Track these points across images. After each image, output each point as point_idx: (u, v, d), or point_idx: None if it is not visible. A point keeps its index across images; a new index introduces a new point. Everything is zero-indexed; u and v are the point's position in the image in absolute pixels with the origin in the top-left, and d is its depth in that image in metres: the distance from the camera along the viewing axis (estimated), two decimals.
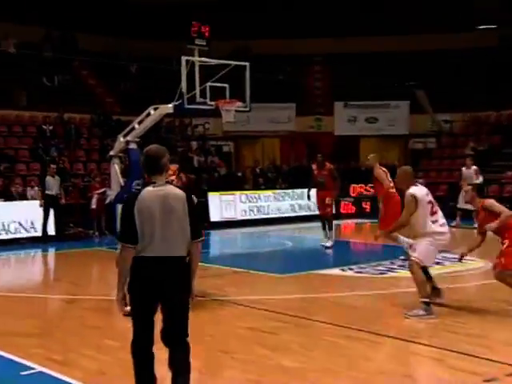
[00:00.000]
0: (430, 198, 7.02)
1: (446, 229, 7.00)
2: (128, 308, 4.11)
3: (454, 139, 22.10)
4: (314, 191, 12.52)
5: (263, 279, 9.31)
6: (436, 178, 19.93)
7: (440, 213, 7.03)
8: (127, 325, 4.56)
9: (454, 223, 15.55)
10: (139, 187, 4.78)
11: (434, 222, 6.88)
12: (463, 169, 15.94)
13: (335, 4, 23.69)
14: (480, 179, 15.48)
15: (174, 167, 7.94)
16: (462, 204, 15.61)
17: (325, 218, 12.37)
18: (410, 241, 7.53)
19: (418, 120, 22.72)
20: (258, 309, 7.27)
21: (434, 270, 9.33)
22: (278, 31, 23.31)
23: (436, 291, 7.23)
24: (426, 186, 7.83)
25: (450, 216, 15.62)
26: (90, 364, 5.38)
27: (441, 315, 6.76)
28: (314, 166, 12.61)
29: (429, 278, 7.18)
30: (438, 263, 9.99)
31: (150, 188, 4.02)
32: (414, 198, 6.81)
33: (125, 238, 4.01)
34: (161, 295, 4.02)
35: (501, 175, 18.61)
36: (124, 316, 4.27)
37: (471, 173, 15.50)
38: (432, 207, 6.94)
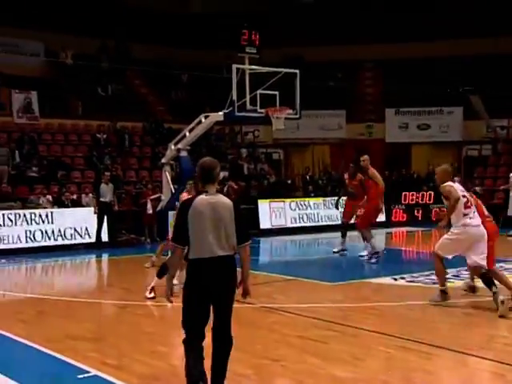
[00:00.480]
0: (465, 193, 7.68)
1: (476, 222, 7.53)
2: (172, 299, 4.56)
3: (511, 146, 21.46)
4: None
5: (313, 287, 9.24)
6: (492, 185, 19.40)
7: (474, 208, 7.61)
8: (179, 331, 4.62)
9: (510, 232, 15.10)
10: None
11: (465, 215, 7.51)
12: (511, 175, 15.58)
13: (386, 9, 23.48)
14: None
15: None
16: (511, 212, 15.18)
17: (349, 227, 12.52)
18: None
19: (472, 126, 22.17)
20: (307, 317, 7.22)
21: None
22: (328, 38, 23.26)
23: (471, 287, 8.24)
24: (482, 193, 8.17)
25: (507, 225, 15.30)
26: (144, 369, 5.46)
27: (498, 327, 6.56)
28: (345, 176, 12.81)
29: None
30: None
31: (203, 196, 4.48)
32: (452, 187, 7.55)
33: (177, 239, 4.52)
34: (211, 291, 4.41)
35: None
36: (170, 303, 4.63)
37: None
38: (466, 201, 7.56)
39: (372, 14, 23.47)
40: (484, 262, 7.49)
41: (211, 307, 4.48)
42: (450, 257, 7.70)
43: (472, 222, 7.51)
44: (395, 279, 9.45)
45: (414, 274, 9.69)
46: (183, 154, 12.63)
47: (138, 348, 6.11)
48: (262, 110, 12.36)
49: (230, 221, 4.43)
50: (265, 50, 12.56)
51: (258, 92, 12.13)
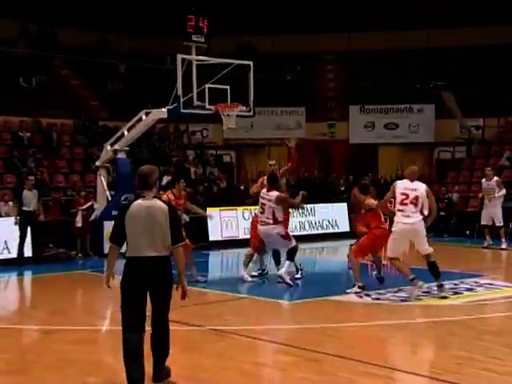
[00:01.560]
0: (409, 192, 9.17)
1: (406, 220, 9.16)
2: (110, 284, 5.66)
3: (487, 148, 22.09)
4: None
5: (270, 307, 9.31)
6: (466, 191, 19.91)
7: (411, 207, 9.12)
8: (112, 359, 4.58)
9: (485, 243, 15.55)
10: (126, 202, 6.26)
11: (399, 210, 9.22)
12: (483, 181, 15.97)
13: None
14: (503, 191, 15.52)
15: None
16: (486, 220, 15.59)
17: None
18: None
19: (444, 126, 22.73)
20: (263, 340, 7.27)
21: (464, 298, 9.37)
22: (285, 26, 23.42)
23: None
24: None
25: (482, 235, 15.75)
26: None
27: (472, 350, 6.75)
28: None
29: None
30: (469, 289, 10.01)
31: (139, 201, 5.53)
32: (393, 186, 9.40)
33: (113, 239, 5.62)
34: (147, 288, 5.45)
35: None
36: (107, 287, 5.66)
37: (492, 185, 15.51)
38: (404, 198, 9.15)
39: (334, 0, 23.82)
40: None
41: (150, 304, 5.52)
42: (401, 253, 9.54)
43: (403, 219, 9.21)
44: (360, 296, 9.60)
45: (381, 291, 9.87)
46: (121, 155, 12.56)
47: (67, 380, 6.03)
48: (212, 107, 12.40)
49: (165, 224, 5.45)
50: (214, 38, 12.62)
51: (207, 86, 12.17)
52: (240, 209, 17.67)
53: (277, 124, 23.13)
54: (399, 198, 9.26)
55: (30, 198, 14.12)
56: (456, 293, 9.78)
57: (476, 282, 10.59)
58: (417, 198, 9.20)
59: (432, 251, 9.39)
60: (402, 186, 9.36)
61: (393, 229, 9.45)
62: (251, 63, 12.42)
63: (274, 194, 10.57)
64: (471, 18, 23.01)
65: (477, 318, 8.33)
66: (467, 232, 17.56)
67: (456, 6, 23.38)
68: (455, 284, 10.42)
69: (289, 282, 10.42)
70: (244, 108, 12.57)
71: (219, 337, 7.48)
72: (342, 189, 20.03)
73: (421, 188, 9.30)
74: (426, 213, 9.24)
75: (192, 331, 7.72)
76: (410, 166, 9.89)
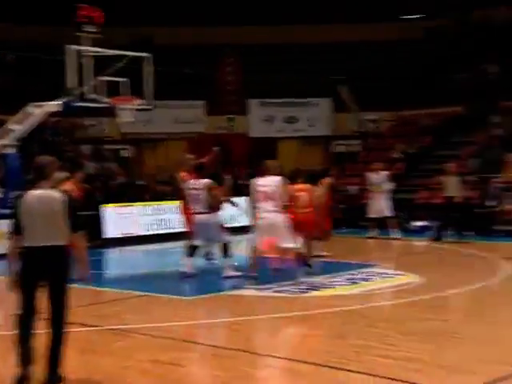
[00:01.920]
0: (266, 189, 9.74)
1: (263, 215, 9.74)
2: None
3: (382, 141, 22.90)
4: None
5: (168, 303, 9.25)
6: (361, 183, 20.51)
7: (270, 203, 9.68)
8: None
9: (370, 233, 16.10)
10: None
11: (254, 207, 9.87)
12: (371, 174, 16.48)
13: None
14: (391, 185, 16.18)
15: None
16: (374, 213, 16.17)
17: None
18: None
19: (341, 120, 23.37)
20: (164, 338, 7.21)
21: (360, 287, 9.67)
22: (182, 17, 23.30)
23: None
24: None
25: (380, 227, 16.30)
26: None
27: (368, 338, 6.98)
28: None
29: None
30: (364, 279, 10.35)
31: (33, 191, 5.59)
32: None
33: (12, 229, 5.64)
34: (44, 277, 5.54)
35: (430, 180, 19.32)
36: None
37: (381, 179, 16.09)
38: (263, 195, 9.74)
39: None
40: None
41: (48, 301, 5.58)
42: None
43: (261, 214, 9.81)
44: (260, 289, 9.71)
45: (281, 283, 10.02)
46: (10, 150, 12.08)
47: None
48: (107, 100, 12.16)
49: (62, 213, 5.54)
50: (108, 29, 12.36)
51: (102, 78, 11.91)
52: (138, 205, 17.44)
53: (176, 118, 22.96)
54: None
55: None
56: (353, 282, 10.09)
57: (371, 272, 10.97)
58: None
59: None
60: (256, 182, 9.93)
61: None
62: (148, 55, 12.25)
63: (203, 181, 10.61)
64: (368, 13, 23.78)
65: (371, 306, 8.63)
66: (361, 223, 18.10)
67: (351, 2, 24.06)
68: (352, 274, 10.75)
69: (236, 273, 10.60)
70: (141, 101, 12.40)
71: (117, 336, 7.36)
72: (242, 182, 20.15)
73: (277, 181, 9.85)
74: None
75: (88, 332, 7.54)
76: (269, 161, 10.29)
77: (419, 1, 24.42)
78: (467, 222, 15.81)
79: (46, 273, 5.54)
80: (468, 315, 8.35)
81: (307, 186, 10.91)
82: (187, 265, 10.87)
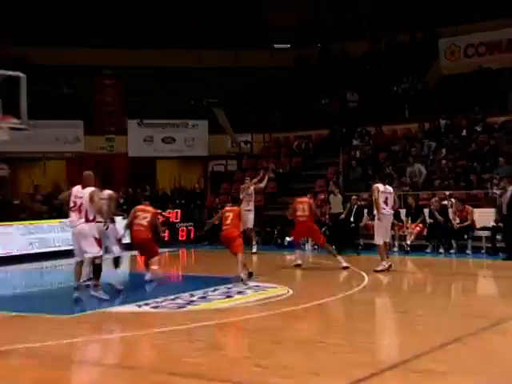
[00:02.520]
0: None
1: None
2: None
3: (255, 161, 23.29)
4: None
5: (44, 322, 8.83)
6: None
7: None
8: None
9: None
10: None
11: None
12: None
13: (130, 14, 23.84)
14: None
15: None
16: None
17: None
18: None
19: (217, 140, 23.58)
20: (40, 356, 6.87)
21: (235, 301, 9.71)
22: (60, 39, 22.72)
23: None
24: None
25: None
26: None
27: (245, 349, 7.01)
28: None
29: None
30: (239, 292, 10.41)
31: None
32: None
33: None
34: None
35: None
36: None
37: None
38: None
39: (114, 17, 23.60)
40: None
41: None
42: None
43: None
44: (139, 306, 9.52)
45: (158, 299, 9.87)
46: None
47: None
48: None
49: None
50: None
51: None
52: (15, 224, 16.65)
53: (55, 137, 22.19)
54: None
55: None
56: (228, 296, 10.11)
57: (245, 285, 11.05)
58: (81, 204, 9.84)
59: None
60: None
61: None
62: (22, 75, 11.75)
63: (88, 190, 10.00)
64: (243, 40, 24.26)
65: (245, 318, 8.69)
66: None
67: (227, 29, 24.43)
68: (228, 288, 10.78)
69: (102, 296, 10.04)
70: (16, 121, 11.83)
71: None
72: (121, 201, 19.74)
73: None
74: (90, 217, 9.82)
75: None
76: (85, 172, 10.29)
77: (290, 32, 25.22)
78: (334, 237, 16.33)
79: None
80: (332, 324, 8.59)
81: None
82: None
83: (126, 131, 23.38)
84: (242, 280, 11.17)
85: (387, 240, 13.44)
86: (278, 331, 7.89)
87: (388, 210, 13.00)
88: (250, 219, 16.35)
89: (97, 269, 10.05)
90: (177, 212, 19.80)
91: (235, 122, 23.08)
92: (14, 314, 9.37)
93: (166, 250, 17.81)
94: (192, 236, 19.78)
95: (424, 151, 19.72)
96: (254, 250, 16.38)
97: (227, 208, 12.18)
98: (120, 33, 23.29)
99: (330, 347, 7.07)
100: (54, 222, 17.34)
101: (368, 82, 23.41)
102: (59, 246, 16.92)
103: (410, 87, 22.51)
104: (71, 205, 9.91)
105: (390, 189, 13.27)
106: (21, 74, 11.49)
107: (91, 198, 9.83)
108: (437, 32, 23.25)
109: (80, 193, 9.89)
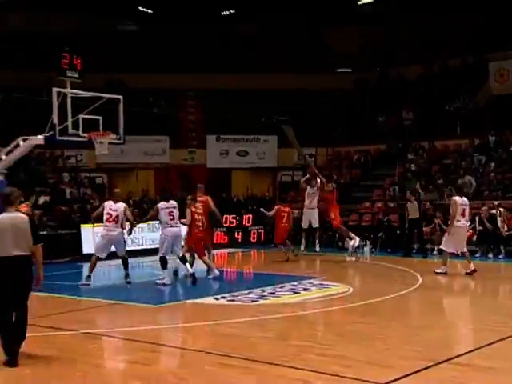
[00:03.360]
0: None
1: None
2: None
3: (319, 172, 23.17)
4: None
5: (137, 311, 9.12)
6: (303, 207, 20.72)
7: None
8: None
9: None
10: None
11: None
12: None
13: (206, 42, 24.40)
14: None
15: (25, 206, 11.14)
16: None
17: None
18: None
19: (285, 154, 23.68)
20: (132, 340, 7.10)
21: (302, 296, 9.73)
22: (151, 65, 23.47)
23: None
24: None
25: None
26: None
27: (310, 339, 7.04)
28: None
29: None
30: (305, 289, 10.41)
31: (4, 214, 6.33)
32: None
33: None
34: (15, 281, 6.09)
35: (360, 205, 19.80)
36: None
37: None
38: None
39: (193, 45, 24.19)
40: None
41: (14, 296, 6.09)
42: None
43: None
44: (217, 299, 9.67)
45: (234, 293, 10.01)
46: None
47: None
48: (85, 135, 12.04)
49: (25, 229, 6.18)
50: (87, 74, 12.28)
51: (81, 116, 11.81)
52: None
53: (144, 150, 22.92)
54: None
55: None
56: (295, 292, 10.14)
57: (311, 283, 11.05)
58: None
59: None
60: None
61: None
62: (121, 97, 12.24)
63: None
64: (309, 65, 24.36)
65: (312, 312, 8.70)
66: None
67: (296, 56, 24.56)
68: (294, 285, 10.80)
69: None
70: (114, 136, 12.33)
71: (91, 339, 7.21)
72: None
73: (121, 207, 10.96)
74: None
75: (62, 335, 7.37)
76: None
77: (350, 57, 25.10)
78: (390, 240, 16.10)
79: (17, 277, 6.09)
80: (389, 320, 8.49)
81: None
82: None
83: (206, 145, 23.83)
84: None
85: (464, 250, 12.36)
86: (340, 324, 7.87)
87: (463, 222, 12.22)
88: (314, 218, 15.92)
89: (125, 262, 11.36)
90: (249, 217, 19.95)
91: (301, 137, 23.09)
92: (107, 301, 9.68)
93: (240, 250, 18.03)
94: (262, 238, 19.87)
95: (474, 164, 19.18)
96: (317, 249, 16.09)
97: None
98: (200, 59, 23.84)
99: (386, 340, 7.00)
100: (143, 224, 17.76)
101: (422, 102, 22.97)
102: (148, 244, 17.40)
103: (461, 106, 21.94)
104: (107, 216, 11.01)
105: (466, 200, 12.43)
106: (119, 97, 11.96)
107: (125, 211, 11.14)
108: (487, 57, 22.61)
109: (114, 206, 11.06)
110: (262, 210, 16.50)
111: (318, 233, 16.26)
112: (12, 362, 5.96)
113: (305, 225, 16.18)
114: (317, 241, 16.11)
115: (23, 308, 6.18)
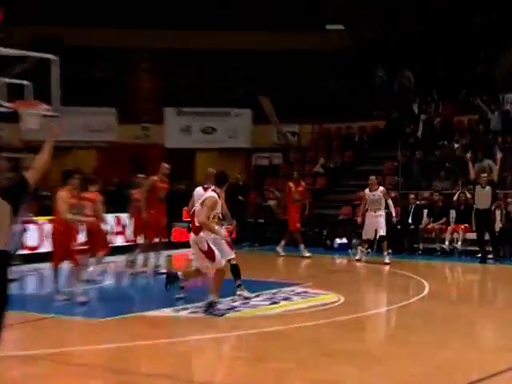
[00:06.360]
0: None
1: None
2: None
3: (303, 154, 23.26)
4: None
5: (77, 326, 9.05)
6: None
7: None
8: None
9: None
10: None
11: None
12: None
13: None
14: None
15: None
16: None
17: (295, 233, 16.30)
18: None
19: (261, 131, 23.59)
20: (71, 364, 7.05)
21: (281, 307, 9.76)
22: (95, 18, 22.95)
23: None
24: None
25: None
26: None
27: (288, 359, 7.06)
28: (291, 184, 16.47)
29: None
30: (286, 298, 10.46)
31: None
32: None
33: None
34: None
35: (353, 196, 19.71)
36: None
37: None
38: None
39: None
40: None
41: None
42: None
43: None
44: (177, 310, 9.65)
45: (199, 304, 9.98)
46: None
47: None
48: (8, 104, 11.86)
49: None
50: (12, 27, 12.08)
51: (3, 80, 11.62)
52: (42, 219, 17.01)
53: (85, 125, 22.59)
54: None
55: None
56: (274, 302, 10.17)
57: (292, 291, 11.08)
58: None
59: None
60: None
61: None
62: (55, 57, 12.03)
63: None
64: (292, 22, 24.09)
65: (295, 327, 8.72)
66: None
67: (276, 10, 24.33)
68: (273, 293, 10.83)
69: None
70: (47, 107, 12.14)
71: (20, 363, 7.13)
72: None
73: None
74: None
75: None
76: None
77: (343, 12, 24.98)
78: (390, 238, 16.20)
79: None
80: (388, 336, 8.56)
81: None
82: None
83: (163, 120, 23.61)
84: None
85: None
86: (327, 342, 7.92)
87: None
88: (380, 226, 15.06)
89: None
90: None
91: (282, 111, 23.07)
92: (39, 315, 9.57)
93: None
94: (233, 235, 19.82)
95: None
96: (387, 259, 14.79)
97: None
98: (159, 11, 23.38)
99: (385, 362, 7.06)
100: None
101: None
102: None
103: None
104: None
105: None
106: (54, 57, 11.75)
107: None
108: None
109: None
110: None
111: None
112: None
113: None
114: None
115: None
